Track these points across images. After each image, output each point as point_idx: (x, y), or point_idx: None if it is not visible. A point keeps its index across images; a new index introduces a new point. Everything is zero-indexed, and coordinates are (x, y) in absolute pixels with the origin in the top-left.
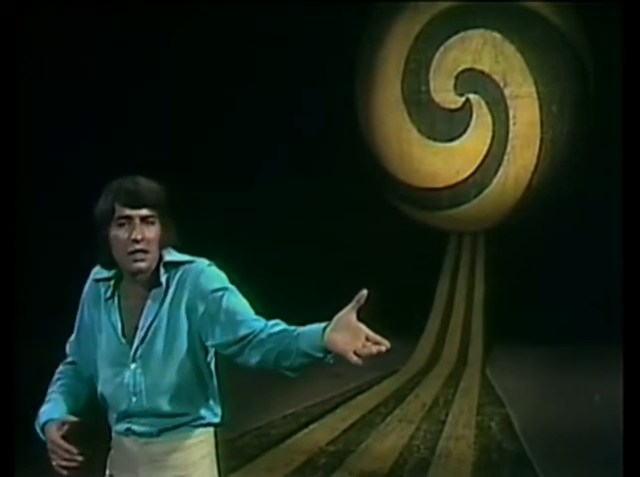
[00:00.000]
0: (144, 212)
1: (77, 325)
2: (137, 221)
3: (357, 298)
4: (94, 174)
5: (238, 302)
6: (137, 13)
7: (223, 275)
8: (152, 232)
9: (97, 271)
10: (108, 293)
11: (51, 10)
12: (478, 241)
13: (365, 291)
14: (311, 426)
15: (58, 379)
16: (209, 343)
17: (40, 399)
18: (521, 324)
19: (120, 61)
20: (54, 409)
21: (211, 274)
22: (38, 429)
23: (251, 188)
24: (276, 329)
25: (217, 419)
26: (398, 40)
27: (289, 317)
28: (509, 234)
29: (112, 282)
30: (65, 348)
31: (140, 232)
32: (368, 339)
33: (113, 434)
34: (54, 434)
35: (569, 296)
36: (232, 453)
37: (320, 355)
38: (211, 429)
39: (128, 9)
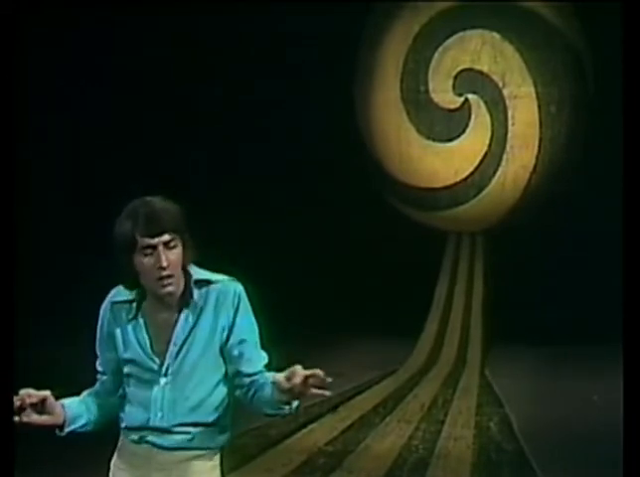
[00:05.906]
0: (166, 237)
1: (98, 346)
2: (161, 247)
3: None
4: (95, 174)
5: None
6: (137, 13)
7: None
8: (175, 254)
9: (116, 294)
10: (132, 314)
11: (51, 10)
12: (477, 242)
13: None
14: (310, 426)
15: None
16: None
17: None
18: (520, 324)
19: (120, 60)
20: (76, 405)
21: (246, 305)
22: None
23: (250, 188)
24: (269, 378)
25: (229, 433)
26: (396, 40)
27: (288, 317)
28: (508, 234)
29: (135, 304)
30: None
31: (165, 258)
32: (307, 378)
33: (124, 441)
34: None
35: (569, 296)
36: (230, 453)
37: (281, 399)
38: None
39: (128, 9)
